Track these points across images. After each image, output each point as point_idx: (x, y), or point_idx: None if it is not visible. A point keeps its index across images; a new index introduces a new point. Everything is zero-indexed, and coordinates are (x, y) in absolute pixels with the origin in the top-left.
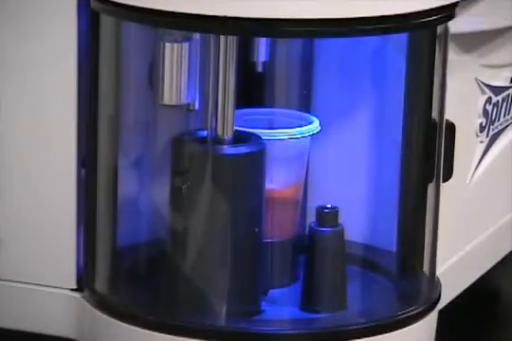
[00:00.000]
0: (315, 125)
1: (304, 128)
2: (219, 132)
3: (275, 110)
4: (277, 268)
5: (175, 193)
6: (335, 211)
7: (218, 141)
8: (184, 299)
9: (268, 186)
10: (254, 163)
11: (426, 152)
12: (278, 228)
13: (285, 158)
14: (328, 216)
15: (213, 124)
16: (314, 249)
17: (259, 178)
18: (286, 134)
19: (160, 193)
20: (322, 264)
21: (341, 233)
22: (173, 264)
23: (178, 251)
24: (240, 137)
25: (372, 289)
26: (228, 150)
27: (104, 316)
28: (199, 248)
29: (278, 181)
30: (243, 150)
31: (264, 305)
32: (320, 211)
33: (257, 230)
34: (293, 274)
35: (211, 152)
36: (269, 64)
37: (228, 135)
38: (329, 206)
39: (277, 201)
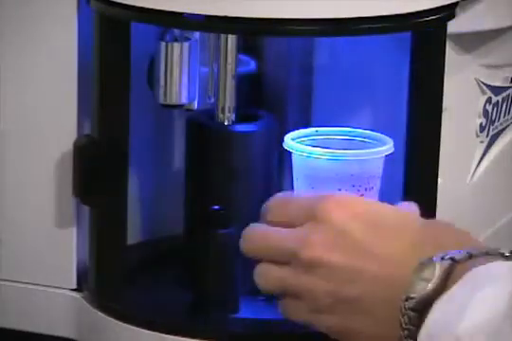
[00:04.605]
0: (388, 147)
1: (376, 149)
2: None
3: (350, 130)
4: None
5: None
6: (223, 213)
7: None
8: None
9: None
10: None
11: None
12: None
13: (355, 179)
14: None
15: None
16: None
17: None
18: (356, 156)
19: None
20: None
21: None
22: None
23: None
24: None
25: None
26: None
27: (104, 316)
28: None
29: None
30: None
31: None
32: (210, 212)
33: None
34: None
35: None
36: None
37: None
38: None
39: None
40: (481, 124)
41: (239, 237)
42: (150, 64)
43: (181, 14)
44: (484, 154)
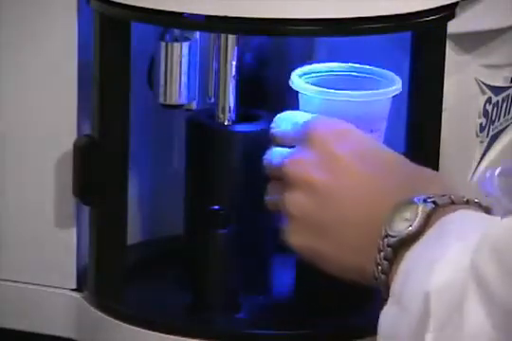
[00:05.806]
0: (395, 87)
1: (385, 90)
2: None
3: (356, 66)
4: None
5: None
6: (223, 213)
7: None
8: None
9: None
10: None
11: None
12: None
13: (360, 120)
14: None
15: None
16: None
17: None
18: (362, 96)
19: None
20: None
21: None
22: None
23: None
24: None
25: (370, 289)
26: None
27: (104, 316)
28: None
29: None
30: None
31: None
32: (210, 212)
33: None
34: None
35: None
36: None
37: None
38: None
39: None
40: (481, 124)
41: (239, 237)
42: (150, 64)
43: (181, 14)
44: (484, 154)
